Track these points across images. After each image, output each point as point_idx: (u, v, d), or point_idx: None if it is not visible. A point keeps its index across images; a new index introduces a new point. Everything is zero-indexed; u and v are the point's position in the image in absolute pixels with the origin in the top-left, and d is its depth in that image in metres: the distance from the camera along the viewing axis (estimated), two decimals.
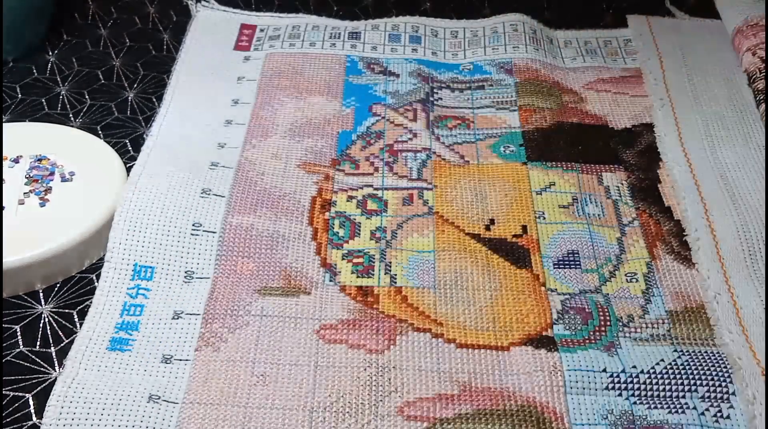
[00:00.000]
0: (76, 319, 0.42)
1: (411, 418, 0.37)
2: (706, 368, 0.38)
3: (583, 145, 0.52)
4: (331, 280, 0.43)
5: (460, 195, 0.49)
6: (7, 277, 0.42)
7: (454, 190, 0.49)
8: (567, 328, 0.41)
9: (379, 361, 0.39)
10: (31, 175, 0.47)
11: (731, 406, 0.37)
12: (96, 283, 0.43)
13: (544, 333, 0.41)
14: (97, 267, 0.44)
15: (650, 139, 0.52)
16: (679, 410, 0.37)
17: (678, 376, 0.38)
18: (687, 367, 0.38)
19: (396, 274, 0.44)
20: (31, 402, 0.38)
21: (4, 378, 0.39)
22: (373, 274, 0.44)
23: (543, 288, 0.43)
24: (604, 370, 0.38)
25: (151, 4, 0.68)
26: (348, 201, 0.48)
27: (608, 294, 0.43)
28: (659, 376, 0.38)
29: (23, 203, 0.45)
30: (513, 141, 0.52)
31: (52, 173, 0.47)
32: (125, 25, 0.66)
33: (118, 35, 0.64)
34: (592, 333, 0.41)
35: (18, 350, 0.41)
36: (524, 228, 0.46)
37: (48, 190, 0.46)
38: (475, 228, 0.46)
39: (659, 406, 0.37)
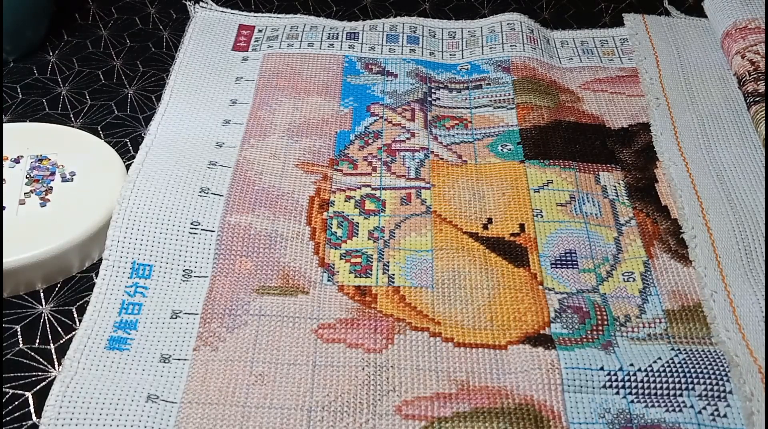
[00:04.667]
0: (77, 319, 0.42)
1: (409, 417, 0.37)
2: (703, 366, 0.38)
3: (580, 145, 0.52)
4: (329, 280, 0.44)
5: (457, 194, 0.49)
6: (7, 277, 0.42)
7: (451, 190, 0.49)
8: (564, 326, 0.41)
9: (377, 360, 0.39)
10: (32, 175, 0.47)
11: (728, 405, 0.37)
12: None
13: (541, 331, 0.41)
14: (97, 267, 0.44)
15: (647, 138, 0.52)
16: (676, 408, 0.37)
17: (675, 375, 0.38)
18: (684, 366, 0.38)
19: (394, 274, 0.44)
20: (30, 400, 0.38)
21: (3, 375, 0.39)
22: (371, 274, 0.44)
23: (541, 287, 0.43)
24: (602, 369, 0.38)
25: (151, 5, 0.68)
26: (346, 201, 0.48)
27: (605, 293, 0.43)
28: (656, 375, 0.38)
29: (24, 203, 0.46)
30: (510, 139, 0.52)
31: (52, 173, 0.48)
32: (125, 25, 0.66)
33: (118, 35, 0.64)
34: (589, 332, 0.41)
35: (18, 348, 0.41)
36: (522, 226, 0.46)
37: (49, 190, 0.46)
38: (472, 227, 0.47)
39: (656, 404, 0.37)
